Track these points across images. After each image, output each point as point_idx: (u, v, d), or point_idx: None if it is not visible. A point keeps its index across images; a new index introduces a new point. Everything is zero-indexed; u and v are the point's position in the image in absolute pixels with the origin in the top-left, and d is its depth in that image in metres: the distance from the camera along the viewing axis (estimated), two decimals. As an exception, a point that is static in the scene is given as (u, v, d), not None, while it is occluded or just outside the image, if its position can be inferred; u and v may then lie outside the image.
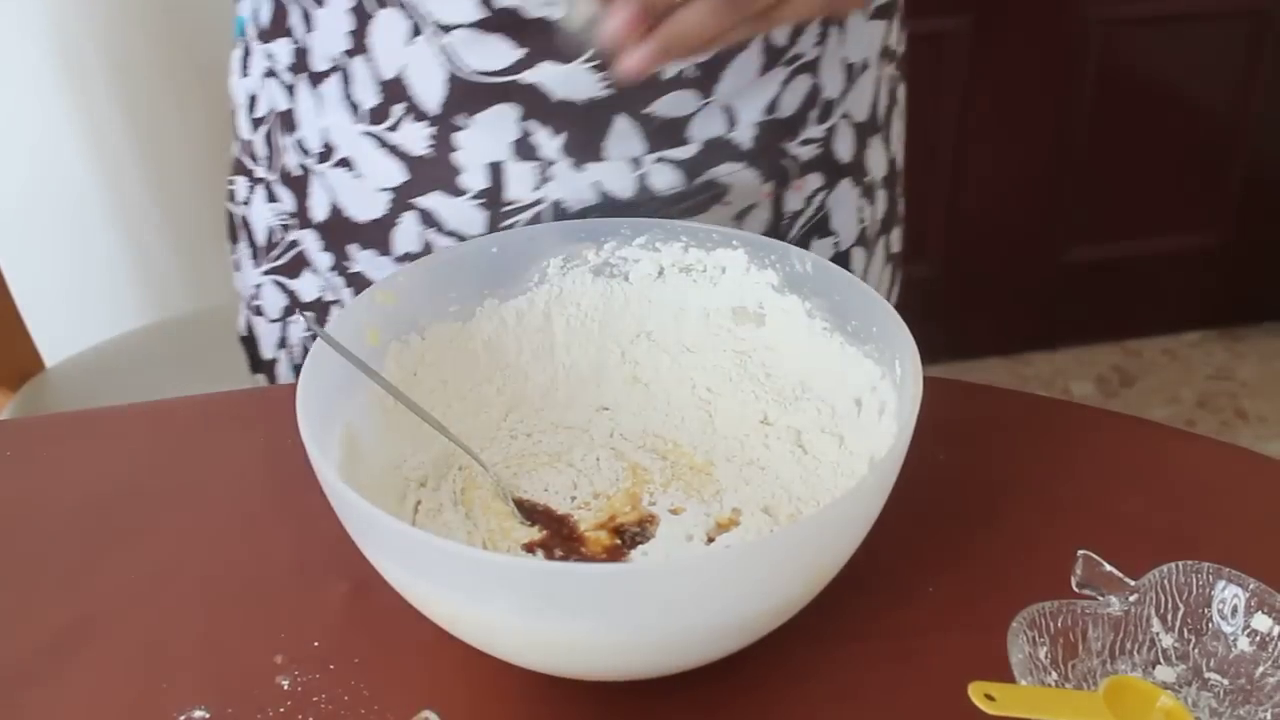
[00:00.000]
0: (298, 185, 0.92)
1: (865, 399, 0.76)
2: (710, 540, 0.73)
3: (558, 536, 0.74)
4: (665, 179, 0.85)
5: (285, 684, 0.68)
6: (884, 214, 0.99)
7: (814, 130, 0.89)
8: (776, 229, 0.91)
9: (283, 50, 0.89)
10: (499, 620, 0.62)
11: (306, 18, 0.85)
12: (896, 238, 1.04)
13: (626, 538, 0.74)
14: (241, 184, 0.99)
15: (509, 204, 0.85)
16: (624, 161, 0.84)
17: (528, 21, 0.78)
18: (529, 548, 0.73)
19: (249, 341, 1.05)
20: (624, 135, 0.83)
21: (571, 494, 0.77)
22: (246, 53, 0.95)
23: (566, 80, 0.80)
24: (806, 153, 0.90)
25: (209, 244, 1.71)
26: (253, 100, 0.95)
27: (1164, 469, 0.83)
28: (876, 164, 0.97)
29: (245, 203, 0.98)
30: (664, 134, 0.83)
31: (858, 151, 0.94)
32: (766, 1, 0.64)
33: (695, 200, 0.86)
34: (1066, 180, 2.25)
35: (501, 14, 0.78)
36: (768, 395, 0.81)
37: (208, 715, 0.66)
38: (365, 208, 0.88)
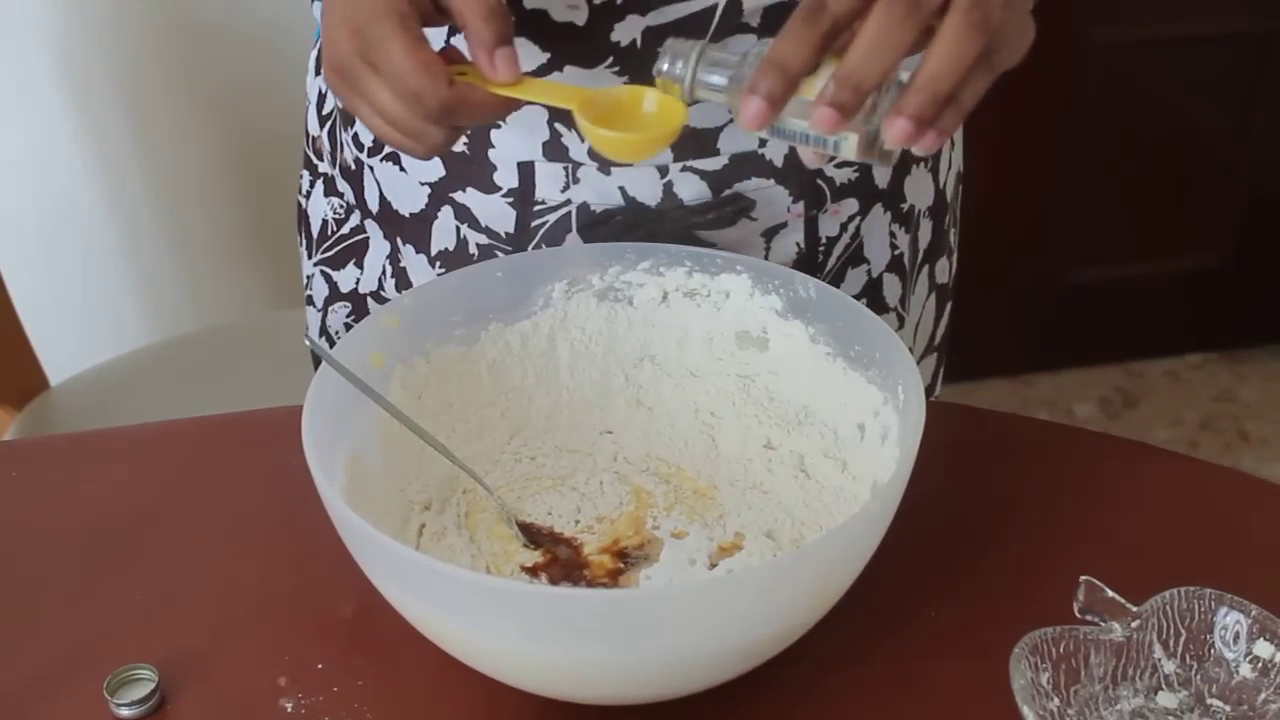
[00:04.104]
0: (354, 178, 0.94)
1: (868, 424, 0.76)
2: (713, 564, 0.73)
3: (561, 560, 0.74)
4: (691, 189, 0.85)
5: (289, 706, 0.68)
6: (928, 243, 0.98)
7: None
8: (812, 255, 0.90)
9: None
10: (503, 644, 0.62)
11: None
12: (943, 268, 1.02)
13: (629, 560, 0.74)
14: (306, 178, 1.02)
15: (539, 203, 0.86)
16: (651, 168, 0.84)
17: (552, 26, 0.79)
18: (532, 571, 0.73)
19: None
20: None
21: (575, 517, 0.77)
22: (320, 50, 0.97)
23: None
24: (841, 176, 0.89)
25: (214, 263, 1.72)
26: (322, 97, 0.97)
27: (1166, 495, 0.83)
28: (919, 193, 0.96)
29: (306, 195, 1.01)
30: (693, 144, 0.84)
31: (897, 179, 0.93)
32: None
33: (721, 212, 0.86)
34: (1069, 202, 2.25)
35: (527, 17, 0.79)
36: (771, 420, 0.81)
37: (211, 738, 0.67)
38: (409, 200, 0.90)
